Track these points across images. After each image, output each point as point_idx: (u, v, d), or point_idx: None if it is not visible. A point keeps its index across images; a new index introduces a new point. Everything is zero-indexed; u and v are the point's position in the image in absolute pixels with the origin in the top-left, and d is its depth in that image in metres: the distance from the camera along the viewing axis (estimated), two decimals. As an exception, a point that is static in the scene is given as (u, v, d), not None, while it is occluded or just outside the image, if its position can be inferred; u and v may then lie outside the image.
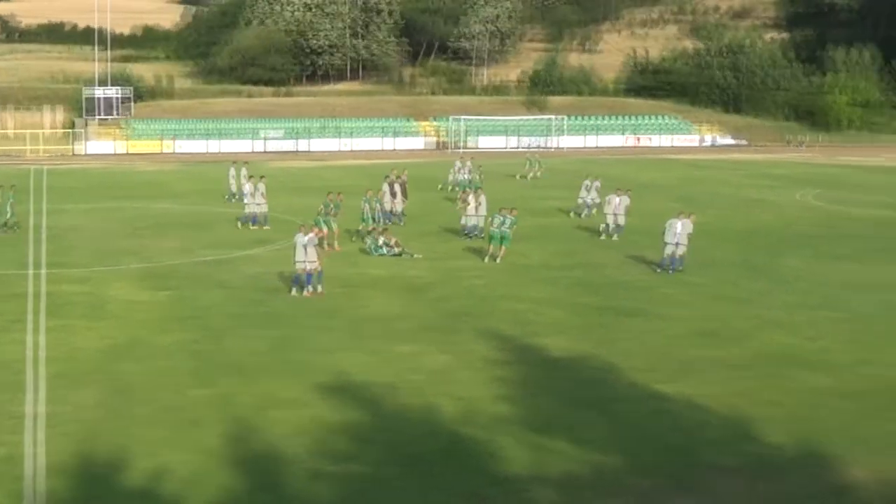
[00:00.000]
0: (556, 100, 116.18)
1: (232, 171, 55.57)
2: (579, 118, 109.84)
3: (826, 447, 19.07)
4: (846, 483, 17.56)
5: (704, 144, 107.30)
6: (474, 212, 42.90)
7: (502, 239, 37.78)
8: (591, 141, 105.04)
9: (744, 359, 25.13)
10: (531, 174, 69.89)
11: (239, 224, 45.83)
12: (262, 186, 46.39)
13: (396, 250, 38.66)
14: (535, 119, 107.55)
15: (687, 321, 28.90)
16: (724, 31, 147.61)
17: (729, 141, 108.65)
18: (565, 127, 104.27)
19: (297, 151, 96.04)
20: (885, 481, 17.59)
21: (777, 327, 28.28)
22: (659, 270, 36.17)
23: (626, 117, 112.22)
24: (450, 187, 60.29)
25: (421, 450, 18.85)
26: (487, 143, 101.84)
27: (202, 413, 20.75)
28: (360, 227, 42.97)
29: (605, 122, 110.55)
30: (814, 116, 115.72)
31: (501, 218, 37.89)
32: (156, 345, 26.02)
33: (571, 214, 49.90)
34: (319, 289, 32.05)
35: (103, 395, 21.89)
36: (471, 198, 43.66)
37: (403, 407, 21.19)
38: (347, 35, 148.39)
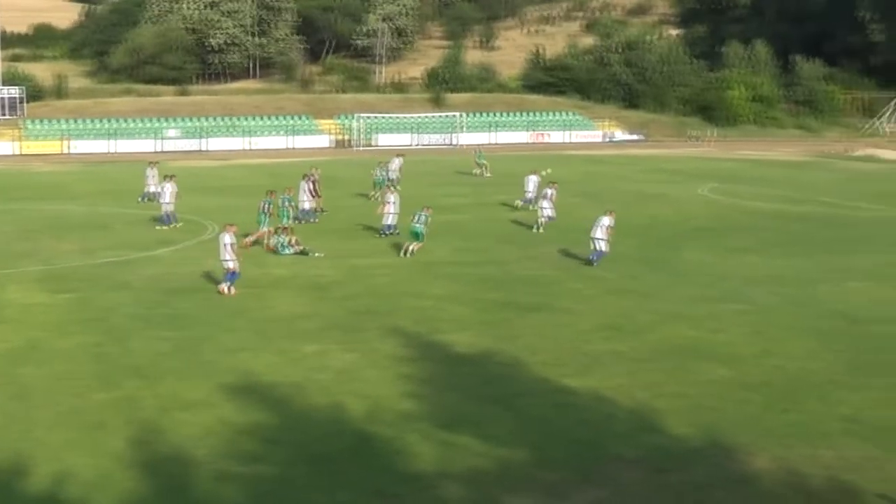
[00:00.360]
0: (457, 97, 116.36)
1: (148, 172, 54.89)
2: (480, 115, 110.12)
3: (730, 437, 19.41)
4: (750, 472, 17.88)
5: (606, 140, 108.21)
6: (393, 210, 43.03)
7: (416, 235, 38.30)
8: (493, 138, 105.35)
9: (648, 352, 25.47)
10: (479, 172, 69.96)
11: (157, 226, 45.50)
12: (169, 186, 46.26)
13: (297, 248, 38.56)
14: (438, 116, 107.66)
15: (591, 315, 29.19)
16: (621, 27, 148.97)
17: (628, 136, 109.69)
18: (465, 124, 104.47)
19: (198, 151, 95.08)
20: (789, 470, 17.94)
21: (680, 320, 28.69)
22: (586, 264, 36.80)
23: (527, 114, 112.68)
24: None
25: (328, 449, 18.85)
26: (390, 140, 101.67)
27: (106, 416, 20.54)
28: (285, 224, 42.97)
29: (506, 118, 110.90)
30: (711, 111, 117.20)
31: (419, 215, 38.50)
32: (56, 348, 25.66)
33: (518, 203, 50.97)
34: (232, 290, 31.96)
35: (1, 399, 21.55)
36: (390, 196, 43.73)
37: (310, 406, 21.17)
38: (248, 33, 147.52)
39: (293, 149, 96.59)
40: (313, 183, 48.89)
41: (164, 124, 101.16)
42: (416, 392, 22.06)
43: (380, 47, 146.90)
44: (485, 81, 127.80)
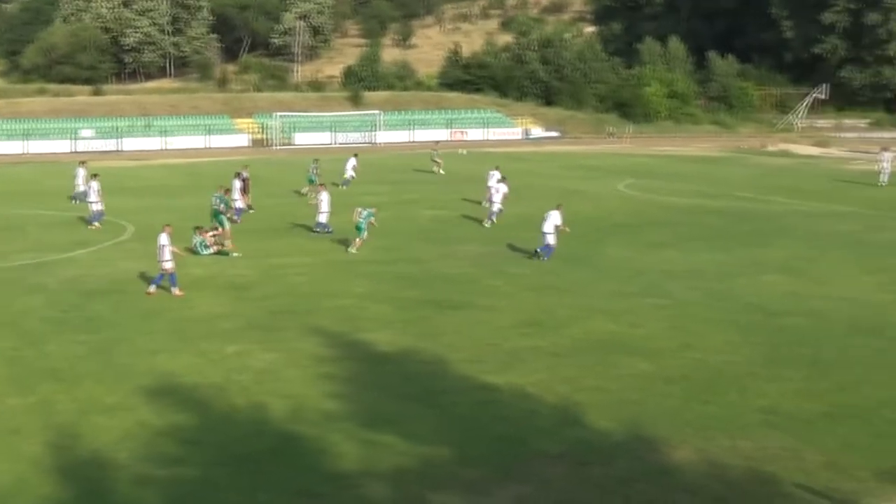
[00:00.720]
0: (375, 95, 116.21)
1: (78, 171, 54.22)
2: (399, 113, 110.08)
3: (652, 430, 19.57)
4: (672, 464, 18.03)
5: (524, 137, 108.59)
6: (325, 209, 42.99)
7: (358, 229, 39.18)
8: (411, 136, 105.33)
9: (568, 347, 25.59)
10: (436, 169, 70.04)
11: (88, 226, 45.24)
12: (95, 184, 46.38)
13: (213, 249, 38.29)
14: (356, 115, 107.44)
15: (511, 312, 29.27)
16: (538, 25, 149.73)
17: (546, 133, 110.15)
18: (382, 122, 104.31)
19: (114, 151, 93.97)
20: (710, 461, 18.13)
21: (599, 315, 28.86)
22: (531, 257, 37.43)
23: (446, 112, 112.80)
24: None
25: (250, 449, 18.72)
26: (309, 139, 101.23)
27: (22, 421, 20.22)
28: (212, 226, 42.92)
29: (425, 116, 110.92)
30: (628, 108, 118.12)
31: (364, 211, 39.69)
32: (-30, 353, 25.23)
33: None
34: (153, 289, 31.81)
35: (-86, 407, 21.16)
36: (323, 195, 43.58)
37: (231, 407, 21.01)
38: (163, 31, 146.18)
39: (210, 148, 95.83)
40: (244, 181, 48.97)
41: (79, 124, 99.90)
42: (338, 391, 21.98)
43: (297, 45, 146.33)
44: (403, 79, 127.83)
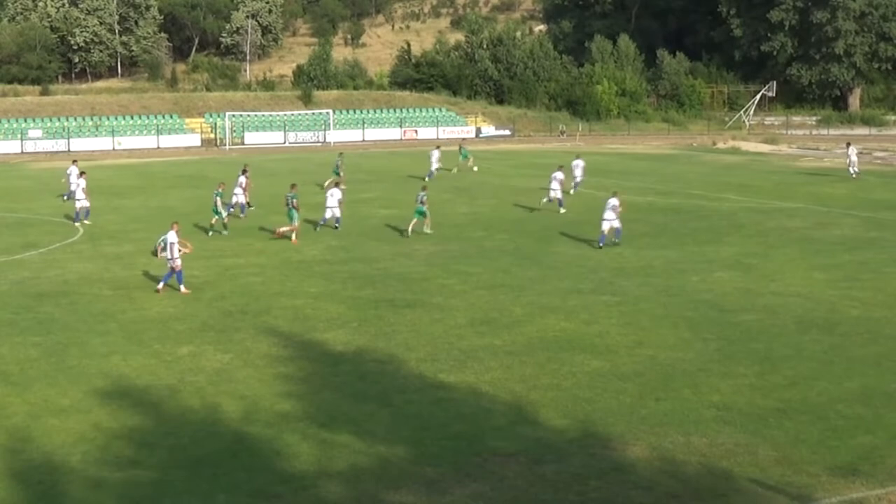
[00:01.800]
0: (326, 94, 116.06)
1: (72, 171, 53.79)
2: (350, 112, 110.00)
3: (606, 427, 19.66)
4: (627, 461, 18.12)
5: (477, 136, 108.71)
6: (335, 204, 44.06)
7: (421, 214, 42.56)
8: (363, 135, 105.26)
9: (522, 345, 25.65)
10: (456, 167, 70.32)
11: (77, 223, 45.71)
12: (82, 182, 47.09)
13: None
14: (307, 114, 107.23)
15: (465, 310, 29.31)
16: (488, 24, 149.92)
17: (498, 131, 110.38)
18: (332, 121, 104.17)
19: (63, 151, 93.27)
20: (664, 458, 18.23)
21: (553, 313, 28.95)
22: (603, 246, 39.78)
23: (397, 110, 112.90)
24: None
25: (205, 451, 18.64)
26: (260, 139, 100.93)
27: (-26, 425, 20.04)
28: (213, 221, 43.64)
29: (376, 115, 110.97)
30: (579, 106, 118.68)
31: (420, 195, 42.90)
32: (-80, 357, 24.97)
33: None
34: (161, 286, 32.13)
35: None
36: (334, 190, 44.83)
37: (186, 409, 20.91)
38: (112, 31, 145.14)
39: (161, 148, 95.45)
40: (246, 177, 49.69)
41: (27, 125, 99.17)
42: (293, 391, 21.93)
43: (247, 45, 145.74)
44: (354, 78, 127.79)
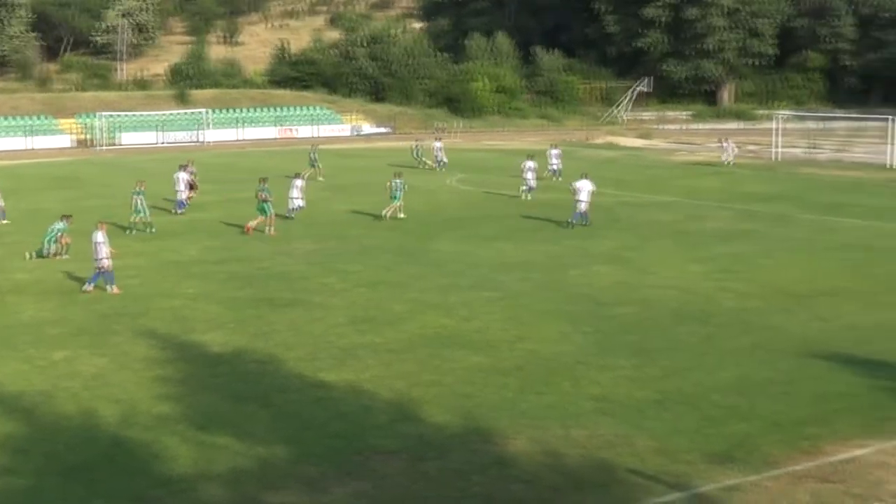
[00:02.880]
0: (201, 93, 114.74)
1: None
2: (227, 111, 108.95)
3: (488, 422, 19.73)
4: (508, 455, 18.21)
5: (354, 134, 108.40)
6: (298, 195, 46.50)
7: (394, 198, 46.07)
8: (240, 134, 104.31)
9: (403, 342, 25.65)
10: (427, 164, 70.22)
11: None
12: None
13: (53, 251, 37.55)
14: (183, 113, 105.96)
15: (345, 309, 29.22)
16: (365, 21, 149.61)
17: (376, 129, 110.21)
18: (210, 120, 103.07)
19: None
20: (545, 451, 18.35)
21: (433, 309, 29.00)
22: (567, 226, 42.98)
23: (274, 109, 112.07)
24: None
25: (82, 457, 18.30)
26: (135, 139, 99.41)
27: None
28: (135, 220, 43.40)
29: (253, 114, 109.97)
30: (457, 103, 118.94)
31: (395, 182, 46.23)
32: None
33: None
34: (89, 287, 31.81)
35: None
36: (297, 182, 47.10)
37: (61, 414, 20.50)
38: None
39: (33, 150, 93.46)
40: (191, 174, 50.27)
41: None
42: (172, 394, 21.65)
43: (120, 44, 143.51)
44: (230, 77, 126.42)
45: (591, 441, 18.80)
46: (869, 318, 28.11)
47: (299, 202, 46.23)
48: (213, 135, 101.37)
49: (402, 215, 46.09)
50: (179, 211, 48.57)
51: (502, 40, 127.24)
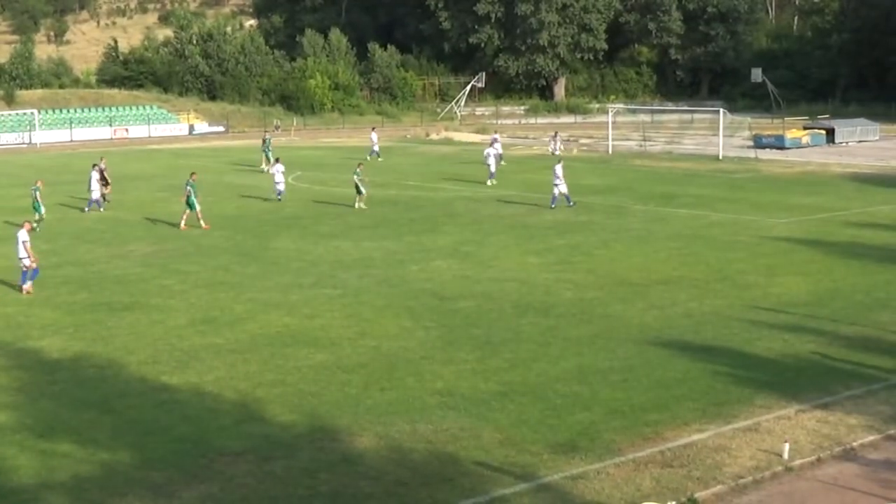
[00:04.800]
0: (29, 93, 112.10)
1: None
2: (57, 112, 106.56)
3: (333, 420, 19.72)
4: (355, 452, 18.23)
5: (189, 133, 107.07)
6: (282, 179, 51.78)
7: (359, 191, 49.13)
8: (71, 135, 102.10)
9: (245, 342, 25.46)
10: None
11: None
12: None
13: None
14: (11, 114, 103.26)
15: (185, 310, 28.87)
16: (197, 19, 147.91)
17: (211, 128, 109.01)
18: (39, 121, 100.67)
19: None
20: (391, 447, 18.43)
21: (275, 309, 28.85)
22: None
23: (106, 109, 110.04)
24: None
25: (-85, 471, 17.75)
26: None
27: None
28: (36, 218, 42.79)
29: (85, 114, 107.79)
30: (293, 101, 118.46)
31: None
32: None
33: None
34: (28, 286, 31.70)
35: None
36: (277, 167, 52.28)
37: None
38: None
39: None
40: (101, 172, 50.17)
41: None
42: (9, 402, 21.11)
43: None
44: (59, 77, 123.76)
45: (437, 435, 18.93)
46: (703, 305, 28.86)
47: (281, 186, 51.64)
48: (43, 136, 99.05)
49: (363, 205, 48.93)
50: (87, 209, 49.12)
51: (337, 37, 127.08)
